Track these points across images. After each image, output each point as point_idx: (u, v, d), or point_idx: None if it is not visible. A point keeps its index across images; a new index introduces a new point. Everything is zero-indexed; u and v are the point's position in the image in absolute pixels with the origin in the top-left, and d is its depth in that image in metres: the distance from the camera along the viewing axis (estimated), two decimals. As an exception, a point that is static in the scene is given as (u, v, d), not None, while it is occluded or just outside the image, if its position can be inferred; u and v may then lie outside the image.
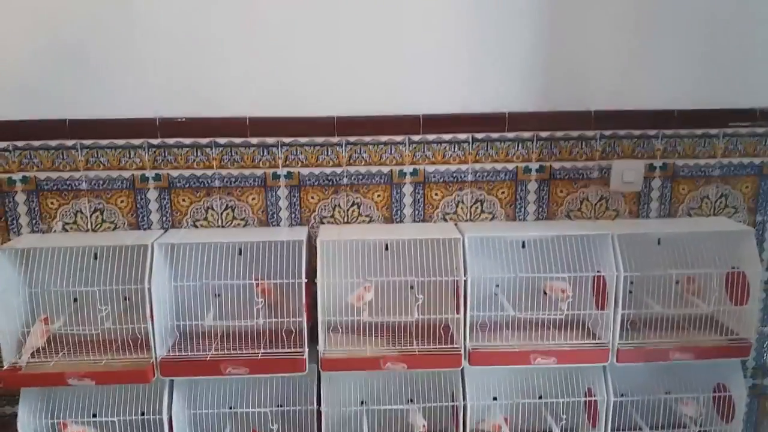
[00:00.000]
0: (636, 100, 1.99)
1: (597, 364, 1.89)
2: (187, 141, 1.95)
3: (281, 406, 1.97)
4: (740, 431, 1.99)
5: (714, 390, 2.02)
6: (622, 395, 1.97)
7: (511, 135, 2.00)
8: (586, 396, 1.97)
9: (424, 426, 1.87)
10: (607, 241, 1.85)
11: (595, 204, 2.07)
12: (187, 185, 1.98)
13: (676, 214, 2.09)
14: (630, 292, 1.92)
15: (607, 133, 2.01)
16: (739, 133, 2.04)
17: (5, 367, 1.80)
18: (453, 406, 1.92)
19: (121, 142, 1.94)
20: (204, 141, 1.95)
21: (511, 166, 2.02)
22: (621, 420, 1.98)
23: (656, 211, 2.08)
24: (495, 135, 2.00)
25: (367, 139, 1.98)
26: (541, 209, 2.06)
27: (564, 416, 1.93)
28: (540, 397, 2.02)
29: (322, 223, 2.03)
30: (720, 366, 1.97)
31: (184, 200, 1.99)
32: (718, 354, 1.89)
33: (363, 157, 1.99)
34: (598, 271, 1.87)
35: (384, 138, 1.98)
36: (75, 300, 1.93)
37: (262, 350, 1.85)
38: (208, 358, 1.83)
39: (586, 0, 1.92)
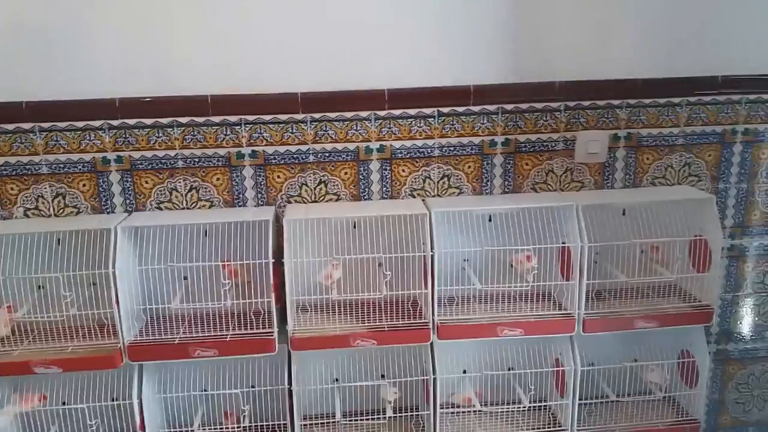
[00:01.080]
0: (600, 70, 1.99)
1: (564, 335, 1.92)
2: (148, 121, 1.91)
3: (253, 387, 1.97)
4: (704, 396, 2.04)
5: (679, 356, 2.06)
6: (591, 365, 2.00)
7: (476, 108, 1.99)
8: (554, 366, 2.00)
9: (395, 394, 1.89)
10: (571, 213, 1.86)
11: (561, 176, 2.08)
12: (150, 167, 1.95)
13: (640, 184, 2.10)
14: (595, 262, 1.94)
15: (572, 104, 2.01)
16: (702, 102, 2.05)
17: (-32, 357, 1.78)
18: (424, 380, 1.94)
19: (80, 124, 1.90)
20: (165, 121, 1.92)
21: (477, 140, 2.02)
22: (589, 389, 2.02)
23: (621, 181, 2.09)
24: (460, 109, 1.99)
25: (333, 115, 1.96)
26: (507, 182, 2.07)
27: (532, 387, 1.96)
28: (510, 369, 2.04)
29: (289, 202, 2.02)
30: (684, 332, 2.01)
31: (147, 182, 1.96)
32: (682, 321, 1.92)
33: (329, 134, 1.97)
34: (563, 243, 1.89)
35: (349, 114, 1.96)
36: (40, 287, 1.90)
37: (231, 332, 1.84)
38: (176, 341, 1.82)
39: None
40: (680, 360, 2.05)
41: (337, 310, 1.94)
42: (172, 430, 2.00)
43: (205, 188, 1.99)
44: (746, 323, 2.27)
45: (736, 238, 2.18)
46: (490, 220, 1.99)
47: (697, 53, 2.01)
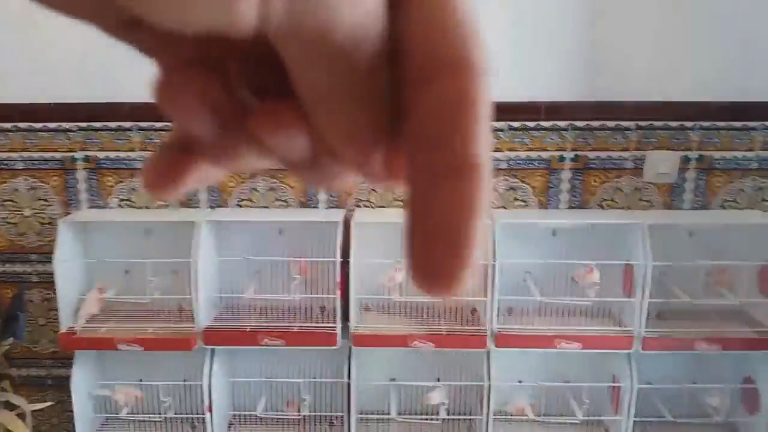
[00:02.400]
0: (673, 91, 1.99)
1: (622, 351, 1.92)
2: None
3: (314, 379, 2.07)
4: (765, 424, 1.99)
5: (741, 382, 2.02)
6: (648, 383, 1.99)
7: (546, 124, 2.03)
8: (611, 382, 2.00)
9: (440, 399, 1.95)
10: (637, 231, 1.87)
11: (629, 194, 2.08)
12: (233, 166, 2.09)
13: (710, 207, 2.08)
14: (659, 282, 1.93)
15: (644, 123, 2.02)
16: (779, 127, 2.02)
17: (63, 331, 1.95)
18: (479, 386, 1.99)
19: (159, 125, 2.05)
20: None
21: (545, 155, 2.06)
22: (644, 407, 2.00)
23: (690, 202, 2.08)
24: (531, 124, 2.03)
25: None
26: (574, 198, 2.09)
27: (587, 401, 1.97)
28: (567, 382, 2.06)
29: (359, 206, 2.11)
30: (748, 358, 1.97)
31: (231, 182, 2.10)
32: (745, 346, 1.89)
33: (401, 143, 2.05)
34: (627, 260, 1.90)
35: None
36: (127, 272, 2.07)
37: (298, 324, 1.95)
38: (247, 330, 1.93)
39: (624, -10, 1.94)
40: (742, 386, 2.01)
41: (397, 312, 2.01)
42: (237, 412, 2.12)
43: (282, 189, 2.11)
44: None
45: (809, 267, 2.12)
46: (554, 235, 2.02)
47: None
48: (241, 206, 2.13)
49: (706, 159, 2.05)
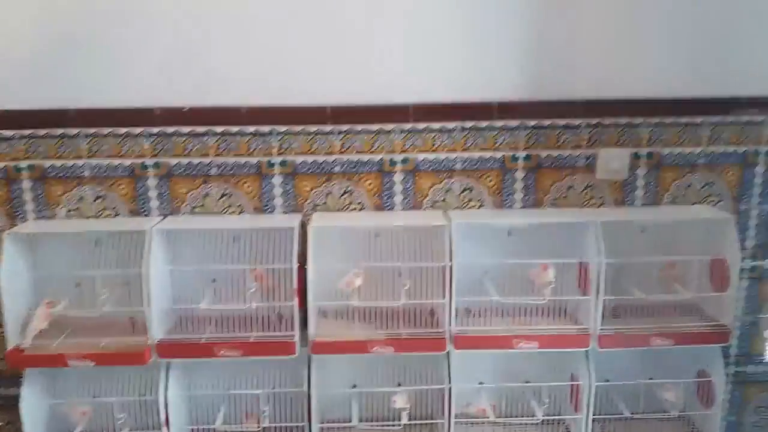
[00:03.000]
0: (622, 89, 2.02)
1: (580, 350, 1.94)
2: (185, 129, 2.01)
3: (274, 389, 2.04)
4: (719, 416, 2.03)
5: (695, 376, 2.05)
6: (606, 381, 2.01)
7: (498, 123, 2.04)
8: (569, 381, 2.02)
9: (401, 403, 1.94)
10: (590, 229, 1.89)
11: (581, 192, 2.10)
12: (185, 173, 2.05)
13: (660, 202, 2.12)
14: (613, 279, 1.96)
15: (593, 121, 2.04)
16: (725, 122, 2.06)
17: (10, 348, 1.87)
18: (440, 389, 1.98)
19: (122, 130, 2.01)
20: (201, 129, 2.01)
21: (498, 155, 2.06)
22: (604, 405, 2.02)
23: (641, 199, 2.11)
24: (483, 124, 2.04)
25: (359, 127, 2.03)
26: (528, 197, 2.10)
27: (547, 401, 1.98)
28: (527, 382, 2.07)
29: (315, 210, 2.09)
30: (702, 352, 2.01)
31: (182, 188, 2.06)
32: (698, 340, 1.92)
33: (355, 146, 2.04)
34: (581, 259, 1.91)
35: (375, 127, 2.03)
36: (77, 285, 2.00)
37: (255, 333, 1.92)
38: (202, 341, 1.89)
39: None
40: (696, 379, 2.05)
41: (357, 317, 1.99)
42: (195, 426, 2.07)
43: (236, 195, 2.07)
44: (767, 346, 2.26)
45: (757, 259, 2.17)
46: (509, 234, 2.02)
47: (720, 73, 2.02)
48: (194, 213, 2.08)
49: (656, 155, 2.08)
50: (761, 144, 2.09)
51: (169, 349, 1.89)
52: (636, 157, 2.08)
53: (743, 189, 2.12)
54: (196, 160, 2.04)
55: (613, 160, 2.05)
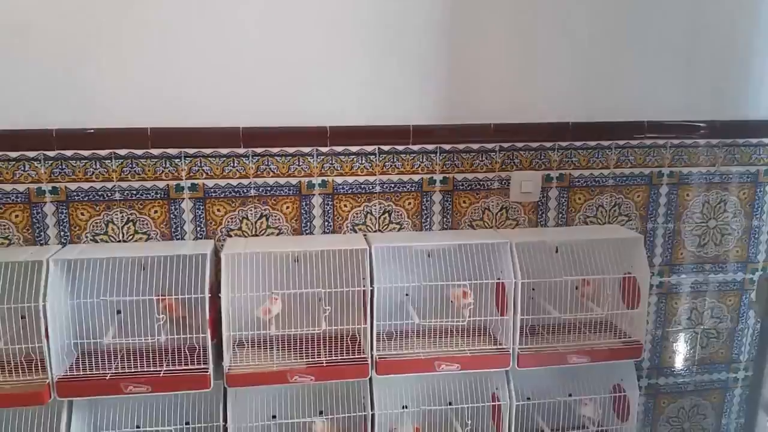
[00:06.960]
0: (532, 114, 2.08)
1: (500, 370, 1.95)
2: (86, 153, 1.89)
3: (188, 425, 1.93)
4: (635, 430, 2.09)
5: (611, 391, 2.11)
6: (527, 399, 2.03)
7: (415, 147, 2.04)
8: (491, 401, 2.02)
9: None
10: (506, 249, 1.91)
11: (497, 214, 2.14)
12: (86, 198, 1.92)
13: (572, 223, 2.18)
14: (531, 298, 1.99)
15: (506, 145, 2.08)
16: (630, 145, 2.15)
17: None
18: (363, 416, 1.93)
19: (14, 154, 1.86)
20: (103, 152, 1.90)
21: (416, 178, 2.06)
22: (525, 423, 2.04)
23: (554, 219, 2.17)
24: (400, 147, 2.03)
25: (275, 150, 1.98)
26: (446, 219, 2.11)
27: (469, 422, 1.97)
28: (449, 404, 2.05)
29: (230, 236, 2.01)
30: (616, 367, 2.07)
31: (82, 214, 1.93)
32: (613, 356, 1.97)
33: (271, 169, 1.99)
34: (498, 278, 1.93)
35: (292, 149, 1.99)
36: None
37: (165, 367, 1.81)
38: (108, 377, 1.77)
39: (483, 17, 2.00)
40: (612, 394, 2.10)
41: (275, 346, 1.93)
42: (100, 470, 1.93)
43: (143, 221, 1.96)
44: (676, 358, 2.35)
45: (664, 276, 2.27)
46: (429, 256, 2.02)
47: (623, 99, 2.12)
48: (96, 241, 1.95)
49: (566, 177, 2.14)
50: (664, 166, 2.19)
51: (71, 388, 1.75)
52: (548, 179, 2.13)
53: (650, 209, 2.22)
54: (98, 185, 1.92)
55: (525, 183, 2.10)
